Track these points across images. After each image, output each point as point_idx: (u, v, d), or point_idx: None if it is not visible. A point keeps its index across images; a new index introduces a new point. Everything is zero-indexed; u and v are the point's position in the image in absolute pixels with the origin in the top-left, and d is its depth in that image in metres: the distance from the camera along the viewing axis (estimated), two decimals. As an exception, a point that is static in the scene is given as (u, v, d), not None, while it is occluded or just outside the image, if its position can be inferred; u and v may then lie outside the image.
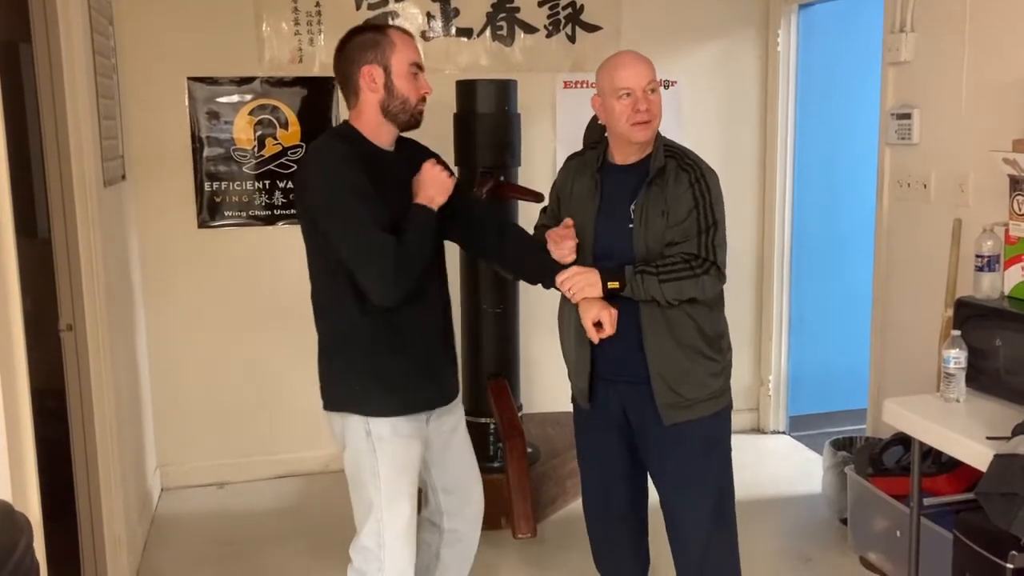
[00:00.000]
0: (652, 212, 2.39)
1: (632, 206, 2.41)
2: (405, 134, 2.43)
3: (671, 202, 2.38)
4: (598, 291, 2.36)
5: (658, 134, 2.48)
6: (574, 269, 2.40)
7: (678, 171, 2.41)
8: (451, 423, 2.53)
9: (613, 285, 2.36)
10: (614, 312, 2.36)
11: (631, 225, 2.41)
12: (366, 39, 2.30)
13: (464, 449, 2.58)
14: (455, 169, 3.73)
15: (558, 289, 2.46)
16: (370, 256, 2.19)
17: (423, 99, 2.34)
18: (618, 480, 2.62)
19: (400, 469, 2.35)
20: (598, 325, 2.36)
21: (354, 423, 2.34)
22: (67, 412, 2.90)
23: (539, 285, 2.53)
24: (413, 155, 2.41)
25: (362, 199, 2.20)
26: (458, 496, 2.58)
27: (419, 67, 2.34)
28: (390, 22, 4.10)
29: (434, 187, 2.31)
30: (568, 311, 2.53)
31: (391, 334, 2.32)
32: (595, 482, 2.68)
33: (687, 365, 2.42)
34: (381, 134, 2.34)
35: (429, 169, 2.33)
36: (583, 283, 2.37)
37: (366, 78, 2.28)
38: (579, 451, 2.72)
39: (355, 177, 2.21)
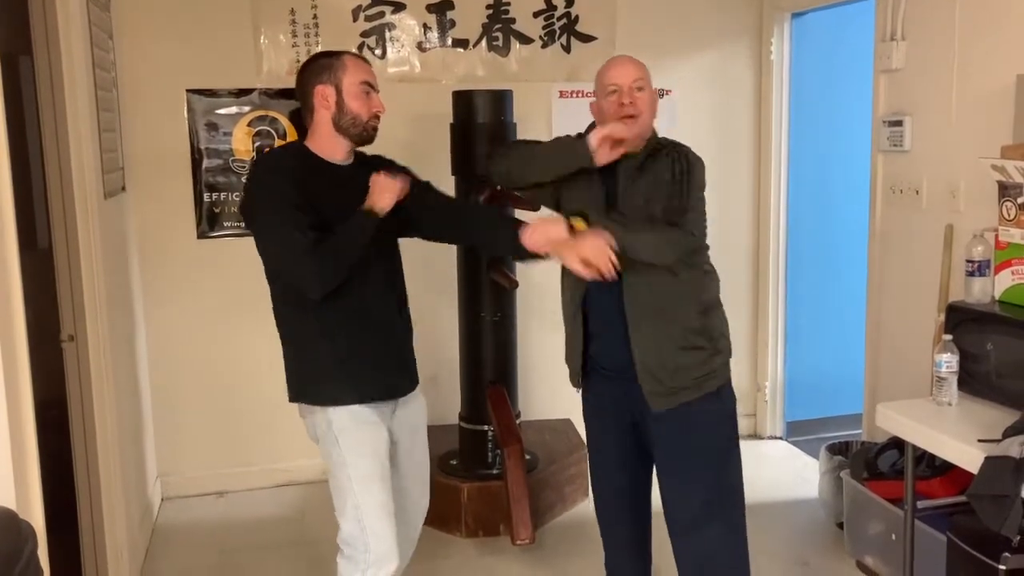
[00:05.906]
0: (633, 203, 2.40)
1: (619, 188, 2.44)
2: (370, 151, 2.56)
3: (653, 186, 2.40)
4: (562, 232, 2.33)
5: (654, 133, 2.51)
6: (535, 222, 2.41)
7: (662, 158, 2.45)
8: (412, 422, 2.63)
9: (577, 222, 2.33)
10: (600, 243, 2.25)
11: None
12: (321, 64, 2.46)
13: (422, 456, 2.69)
14: (451, 179, 3.77)
15: (533, 258, 2.47)
16: (291, 255, 2.32)
17: (376, 116, 2.48)
18: (619, 470, 2.64)
19: (365, 455, 2.44)
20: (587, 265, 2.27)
21: (320, 418, 2.47)
22: (69, 422, 2.92)
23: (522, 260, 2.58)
24: (374, 168, 2.50)
25: (284, 206, 2.32)
26: (402, 498, 2.62)
27: (371, 87, 2.47)
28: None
29: (376, 192, 2.40)
30: (566, 285, 2.55)
31: (339, 327, 2.44)
32: (597, 469, 2.71)
33: (670, 355, 2.43)
34: (335, 149, 2.47)
35: (374, 178, 2.43)
36: (543, 231, 2.37)
37: (319, 96, 2.43)
38: (587, 439, 2.75)
39: (282, 186, 2.34)
